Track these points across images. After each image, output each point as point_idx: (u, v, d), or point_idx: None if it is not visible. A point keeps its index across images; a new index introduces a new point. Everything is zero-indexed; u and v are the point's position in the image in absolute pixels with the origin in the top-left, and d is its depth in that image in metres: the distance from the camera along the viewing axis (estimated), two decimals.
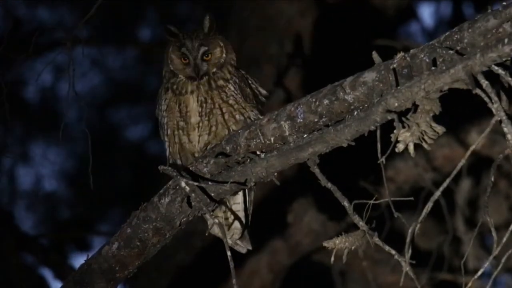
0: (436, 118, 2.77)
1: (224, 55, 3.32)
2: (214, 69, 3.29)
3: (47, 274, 6.01)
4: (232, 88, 3.28)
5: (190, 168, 3.08)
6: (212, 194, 3.06)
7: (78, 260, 7.36)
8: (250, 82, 3.38)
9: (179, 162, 3.30)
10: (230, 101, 3.26)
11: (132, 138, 8.21)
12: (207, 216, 2.99)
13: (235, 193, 3.20)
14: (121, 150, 8.05)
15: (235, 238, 3.43)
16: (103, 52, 7.82)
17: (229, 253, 2.91)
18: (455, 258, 5.94)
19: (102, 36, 7.14)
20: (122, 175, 8.17)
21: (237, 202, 3.39)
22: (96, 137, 7.56)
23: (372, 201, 2.89)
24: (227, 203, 3.38)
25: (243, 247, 3.45)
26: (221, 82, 3.27)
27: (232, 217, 3.41)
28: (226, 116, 3.24)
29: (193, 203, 3.06)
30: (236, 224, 3.42)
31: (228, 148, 3.07)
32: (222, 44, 3.32)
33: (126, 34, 7.34)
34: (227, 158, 3.03)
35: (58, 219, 7.87)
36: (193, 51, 3.28)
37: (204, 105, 3.24)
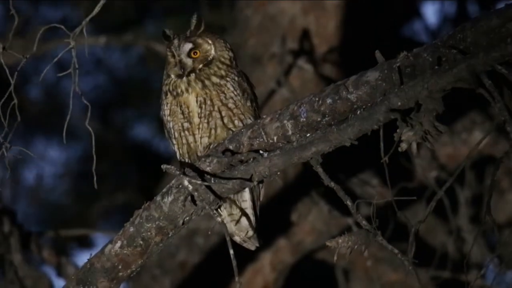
0: (439, 117, 2.77)
1: (213, 52, 3.32)
2: (200, 66, 3.29)
3: (50, 272, 6.01)
4: (232, 88, 3.28)
5: (196, 165, 3.08)
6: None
7: (81, 259, 7.38)
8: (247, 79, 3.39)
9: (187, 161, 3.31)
10: (230, 104, 3.26)
11: (137, 137, 8.22)
12: (211, 215, 3.00)
13: (238, 191, 3.20)
14: (126, 149, 8.06)
15: (249, 235, 3.43)
16: (108, 50, 7.83)
17: (231, 252, 2.91)
18: (460, 257, 5.93)
19: (107, 34, 7.14)
20: (127, 173, 8.18)
21: (245, 200, 3.39)
22: (101, 135, 7.57)
23: (375, 200, 2.89)
24: (236, 202, 3.39)
25: (252, 244, 3.45)
26: (215, 79, 3.28)
27: (242, 214, 3.41)
28: (225, 120, 3.25)
29: (196, 202, 3.06)
30: (246, 221, 3.42)
31: (231, 147, 3.07)
32: (210, 42, 3.33)
33: (132, 32, 7.34)
34: (232, 156, 3.03)
35: (62, 217, 7.89)
36: (178, 48, 3.30)
37: (203, 106, 3.25)
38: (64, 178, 7.95)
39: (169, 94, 3.30)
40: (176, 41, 3.31)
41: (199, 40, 3.32)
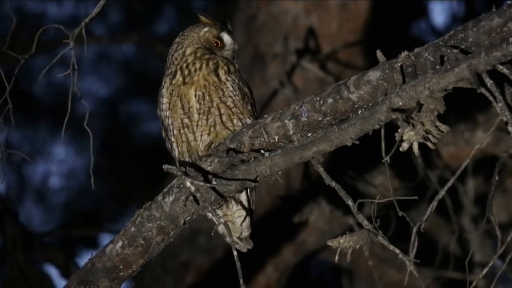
0: (441, 117, 2.77)
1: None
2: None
3: (53, 272, 6.03)
4: (231, 88, 3.28)
5: (198, 164, 3.08)
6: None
7: (86, 258, 7.37)
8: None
9: (188, 160, 3.30)
10: (228, 103, 3.25)
11: (144, 136, 8.21)
12: (212, 215, 3.00)
13: (240, 191, 3.20)
14: (132, 148, 8.05)
15: (244, 235, 3.43)
16: (114, 48, 7.83)
17: (235, 253, 2.91)
18: (464, 256, 5.92)
19: (115, 32, 7.15)
20: (133, 172, 8.17)
21: (241, 200, 3.39)
22: (108, 133, 7.58)
23: (376, 200, 2.89)
24: (233, 202, 3.39)
25: (244, 246, 3.44)
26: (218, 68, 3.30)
27: (238, 215, 3.41)
28: (224, 118, 3.24)
29: (199, 202, 3.06)
30: (242, 222, 3.42)
31: (232, 146, 3.07)
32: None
33: (140, 30, 7.35)
34: (236, 154, 3.03)
35: (67, 217, 7.89)
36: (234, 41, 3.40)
37: (202, 101, 3.24)
38: (71, 178, 7.96)
39: (177, 74, 3.30)
40: (230, 26, 3.39)
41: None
